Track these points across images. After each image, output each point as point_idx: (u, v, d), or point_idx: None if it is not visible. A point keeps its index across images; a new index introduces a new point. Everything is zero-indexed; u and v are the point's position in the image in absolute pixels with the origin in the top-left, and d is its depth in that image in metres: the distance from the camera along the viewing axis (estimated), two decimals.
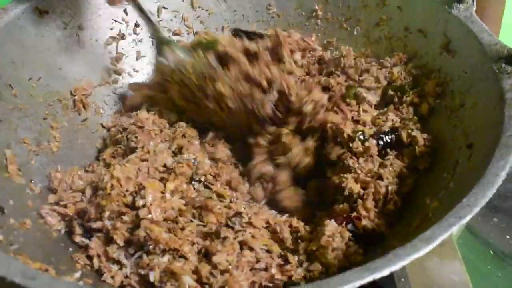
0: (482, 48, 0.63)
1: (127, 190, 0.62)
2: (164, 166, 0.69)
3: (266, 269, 0.58)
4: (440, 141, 0.66)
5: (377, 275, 0.40)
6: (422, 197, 0.61)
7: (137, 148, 0.70)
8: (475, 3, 0.68)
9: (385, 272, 0.40)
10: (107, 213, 0.61)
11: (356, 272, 0.41)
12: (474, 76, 0.65)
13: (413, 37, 0.76)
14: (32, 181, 0.67)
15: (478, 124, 0.60)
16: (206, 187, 0.69)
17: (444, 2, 0.70)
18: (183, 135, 0.74)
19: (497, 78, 0.59)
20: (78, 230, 0.63)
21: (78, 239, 0.63)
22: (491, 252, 0.89)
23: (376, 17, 0.80)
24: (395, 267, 0.41)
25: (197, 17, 0.90)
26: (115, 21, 0.85)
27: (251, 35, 0.80)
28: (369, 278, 0.40)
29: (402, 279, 0.72)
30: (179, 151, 0.72)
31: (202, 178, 0.69)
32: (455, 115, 0.66)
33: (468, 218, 0.45)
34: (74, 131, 0.78)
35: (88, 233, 0.63)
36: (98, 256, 0.60)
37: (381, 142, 0.68)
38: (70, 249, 0.63)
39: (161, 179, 0.66)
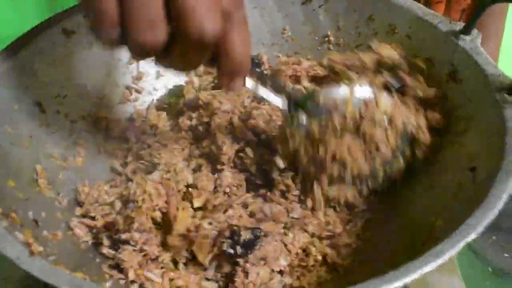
0: (486, 79, 0.67)
1: (156, 205, 0.66)
2: (186, 184, 0.73)
3: None
4: (444, 164, 0.70)
5: (393, 286, 0.44)
6: (427, 217, 0.65)
7: (159, 165, 0.75)
8: (480, 36, 0.73)
9: (400, 284, 0.44)
10: (135, 225, 0.65)
11: (373, 284, 0.45)
12: (478, 104, 0.69)
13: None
14: (60, 195, 0.71)
15: (480, 149, 0.65)
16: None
17: (451, 33, 0.74)
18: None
19: (500, 107, 0.63)
20: (105, 241, 0.67)
21: (105, 250, 0.67)
22: (490, 269, 0.92)
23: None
24: (408, 279, 0.45)
25: None
26: None
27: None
28: None
29: None
30: (198, 169, 0.76)
31: (227, 190, 0.73)
32: (458, 140, 0.70)
33: (472, 236, 0.49)
34: (97, 147, 0.82)
35: (116, 245, 0.67)
36: (132, 267, 0.63)
37: None
38: (98, 260, 0.67)
39: (185, 197, 0.71)
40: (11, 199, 0.61)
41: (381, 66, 0.78)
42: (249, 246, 0.65)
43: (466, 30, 0.73)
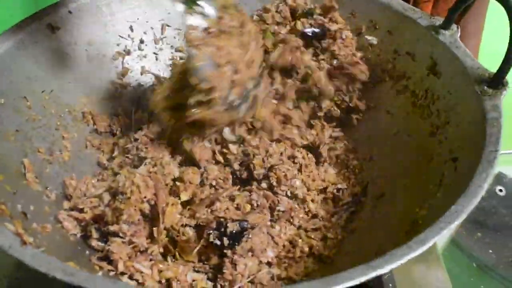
0: (466, 71, 0.69)
1: (145, 197, 0.67)
2: (173, 178, 0.74)
3: None
4: (426, 155, 0.72)
5: (380, 272, 0.46)
6: (411, 206, 0.66)
7: (146, 158, 0.75)
8: (459, 30, 0.75)
9: (386, 270, 0.46)
10: (124, 217, 0.65)
11: (360, 269, 0.46)
12: (458, 96, 0.71)
13: (402, 59, 0.82)
14: (48, 188, 0.72)
15: (462, 140, 0.66)
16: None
17: (431, 28, 0.76)
18: None
19: (479, 99, 0.65)
20: (94, 234, 0.68)
21: (94, 242, 0.67)
22: (475, 265, 0.94)
23: (367, 40, 0.86)
24: (393, 266, 0.46)
25: None
26: (121, 37, 0.90)
27: None
28: (373, 275, 0.46)
29: (390, 284, 0.78)
30: (184, 163, 0.77)
31: (213, 183, 0.74)
32: (440, 132, 0.72)
33: (456, 223, 0.51)
34: (83, 141, 0.82)
35: (104, 237, 0.67)
36: (121, 259, 0.64)
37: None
38: (87, 252, 0.67)
39: (172, 190, 0.72)
40: (0, 192, 0.61)
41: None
42: (236, 238, 0.66)
43: (445, 25, 0.76)
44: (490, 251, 0.95)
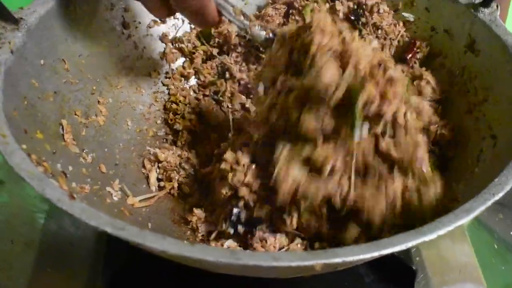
0: (505, 49, 0.69)
1: None
2: None
3: None
4: (463, 132, 0.72)
5: (427, 238, 0.46)
6: (448, 182, 0.66)
7: None
8: (499, 8, 0.74)
9: (433, 236, 0.46)
10: None
11: (409, 234, 0.46)
12: (496, 75, 0.71)
13: (439, 37, 0.82)
14: (84, 151, 0.72)
15: (500, 118, 0.67)
16: None
17: (470, 6, 0.76)
18: None
19: None
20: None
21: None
22: (495, 246, 0.94)
23: (404, 16, 0.86)
24: (441, 232, 0.47)
25: None
26: None
27: None
28: (420, 240, 0.46)
29: (417, 258, 0.78)
30: None
31: None
32: (478, 109, 0.72)
33: (500, 195, 0.51)
34: (117, 107, 0.83)
35: None
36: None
37: None
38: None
39: None
40: (41, 150, 0.61)
41: None
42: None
43: (485, 3, 0.75)
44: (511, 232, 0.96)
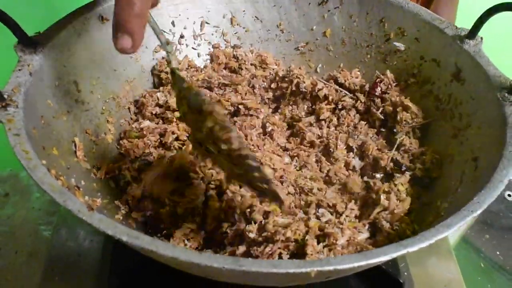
0: (488, 79, 0.74)
1: None
2: None
3: None
4: (448, 155, 0.78)
5: (410, 250, 0.51)
6: (433, 201, 0.72)
7: None
8: (483, 40, 0.80)
9: (415, 248, 0.51)
10: None
11: (393, 246, 0.51)
12: (480, 102, 0.76)
13: (428, 65, 0.87)
14: (94, 167, 0.77)
15: (482, 141, 0.72)
16: None
17: (456, 37, 0.81)
18: None
19: (500, 104, 0.71)
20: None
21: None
22: (482, 265, 0.99)
23: (395, 46, 0.92)
24: (423, 245, 0.52)
25: (235, 33, 1.00)
26: (164, 31, 0.95)
27: None
28: (404, 251, 0.51)
29: (405, 273, 0.83)
30: None
31: None
32: (462, 134, 0.77)
33: (478, 212, 0.56)
34: (125, 126, 0.88)
35: None
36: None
37: None
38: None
39: None
40: (57, 166, 0.66)
41: None
42: None
43: (470, 35, 0.81)
44: (498, 252, 1.00)
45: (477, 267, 0.99)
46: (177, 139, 0.84)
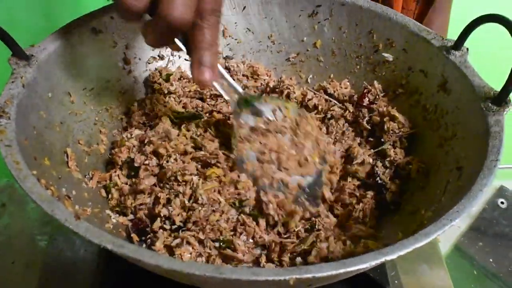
0: (473, 89, 0.76)
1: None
2: None
3: None
4: (434, 164, 0.79)
5: (389, 257, 0.52)
6: (418, 209, 0.73)
7: None
8: (468, 51, 0.81)
9: (394, 256, 0.52)
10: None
11: (372, 254, 0.53)
12: (465, 112, 0.77)
13: (415, 76, 0.89)
14: (86, 177, 0.79)
15: (466, 151, 0.73)
16: None
17: (443, 48, 0.83)
18: None
19: (484, 114, 0.72)
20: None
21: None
22: (475, 273, 1.00)
23: (384, 56, 0.93)
24: (401, 253, 0.53)
25: (227, 45, 1.02)
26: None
27: None
28: (382, 259, 0.52)
29: (396, 281, 0.84)
30: None
31: None
32: (447, 143, 0.78)
33: (457, 220, 0.57)
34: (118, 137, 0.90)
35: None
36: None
37: None
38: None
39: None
40: (48, 176, 0.68)
41: None
42: None
43: (456, 46, 0.82)
44: (491, 259, 1.01)
45: (470, 274, 1.00)
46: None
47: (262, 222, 0.77)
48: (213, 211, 0.74)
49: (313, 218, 0.78)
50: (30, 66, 0.73)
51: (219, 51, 0.74)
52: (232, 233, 0.75)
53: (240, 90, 0.82)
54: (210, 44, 0.70)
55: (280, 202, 0.77)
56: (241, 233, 0.75)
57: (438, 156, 0.79)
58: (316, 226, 0.77)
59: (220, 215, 0.74)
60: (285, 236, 0.77)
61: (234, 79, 0.98)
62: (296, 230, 0.77)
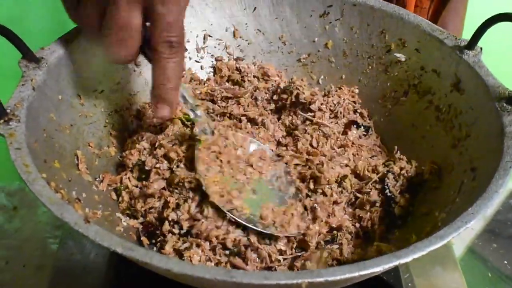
0: (487, 89, 0.75)
1: None
2: None
3: None
4: (448, 165, 0.78)
5: (403, 261, 0.51)
6: (432, 211, 0.72)
7: None
8: (482, 51, 0.80)
9: (409, 259, 0.51)
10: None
11: (386, 257, 0.52)
12: (479, 112, 0.76)
13: (428, 76, 0.87)
14: (96, 179, 0.79)
15: (481, 151, 0.72)
16: None
17: (456, 48, 0.82)
18: None
19: (499, 114, 0.71)
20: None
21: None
22: (490, 275, 0.99)
23: (396, 57, 0.92)
24: (416, 256, 0.52)
25: (238, 46, 1.01)
26: None
27: None
28: (396, 263, 0.51)
29: (409, 284, 0.83)
30: None
31: None
32: (461, 144, 0.77)
33: (472, 223, 0.56)
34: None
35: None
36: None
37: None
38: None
39: None
40: (58, 179, 0.67)
41: None
42: None
43: (470, 46, 0.81)
44: (505, 262, 0.99)
45: (484, 277, 0.99)
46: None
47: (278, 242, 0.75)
48: (216, 227, 0.73)
49: (335, 232, 0.77)
50: (40, 69, 0.72)
51: (181, 83, 0.73)
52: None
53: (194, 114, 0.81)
54: (170, 80, 0.70)
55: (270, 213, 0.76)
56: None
57: (452, 157, 0.78)
58: (337, 240, 0.76)
59: (224, 234, 0.73)
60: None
61: (245, 80, 0.98)
62: (314, 242, 0.75)
